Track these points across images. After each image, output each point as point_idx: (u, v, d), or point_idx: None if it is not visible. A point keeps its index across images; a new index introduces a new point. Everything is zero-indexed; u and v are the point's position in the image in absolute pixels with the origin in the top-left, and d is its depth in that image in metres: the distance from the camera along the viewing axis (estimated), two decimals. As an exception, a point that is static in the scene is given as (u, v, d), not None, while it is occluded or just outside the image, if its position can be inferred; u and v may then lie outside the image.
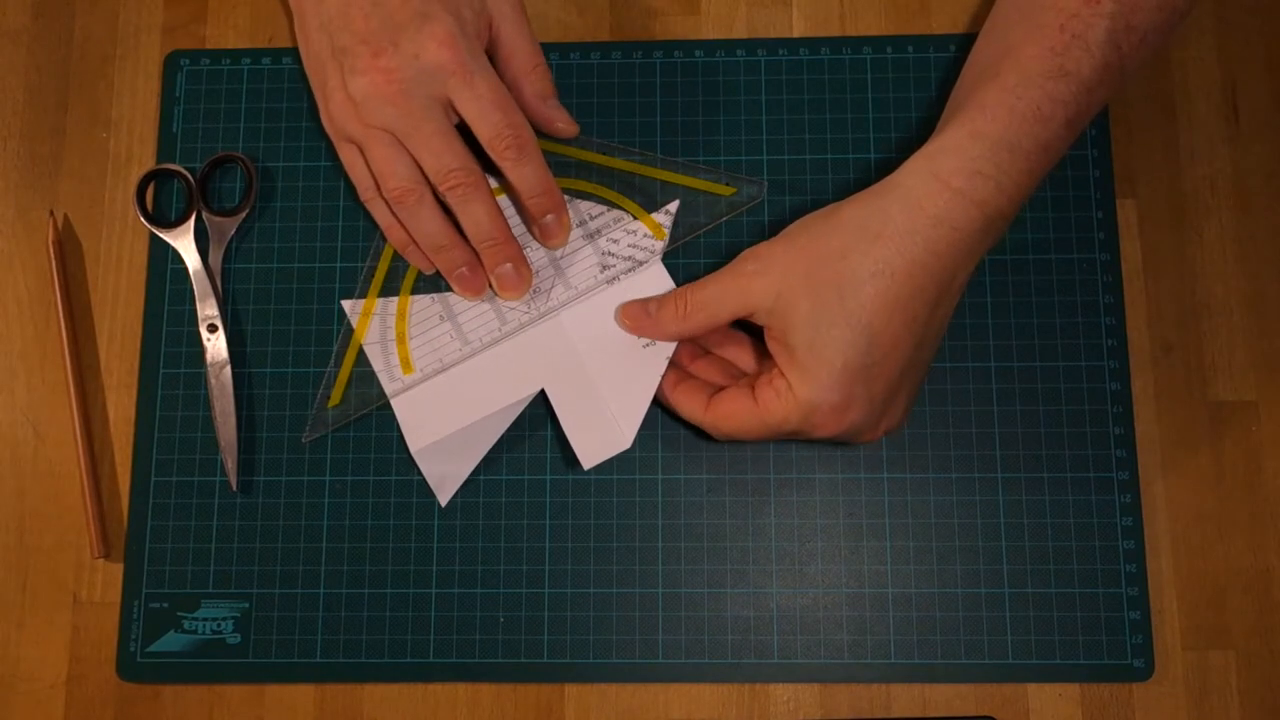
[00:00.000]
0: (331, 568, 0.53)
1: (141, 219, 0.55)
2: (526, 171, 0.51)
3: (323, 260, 0.55)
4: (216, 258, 0.55)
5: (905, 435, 0.53)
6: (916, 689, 0.51)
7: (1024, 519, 0.52)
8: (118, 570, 0.53)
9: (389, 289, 0.54)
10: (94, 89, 0.58)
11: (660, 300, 0.51)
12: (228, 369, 0.54)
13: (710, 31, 0.57)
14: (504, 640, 0.52)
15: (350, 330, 0.54)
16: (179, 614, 0.52)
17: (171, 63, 0.57)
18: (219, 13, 0.58)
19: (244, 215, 0.55)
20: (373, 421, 0.53)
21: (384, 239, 0.54)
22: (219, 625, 0.52)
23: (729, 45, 0.57)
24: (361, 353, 0.53)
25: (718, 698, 0.52)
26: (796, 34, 0.57)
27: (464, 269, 0.52)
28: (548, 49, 0.57)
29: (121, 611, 0.53)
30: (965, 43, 0.56)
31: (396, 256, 0.54)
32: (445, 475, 0.52)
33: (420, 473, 0.53)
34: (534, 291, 0.53)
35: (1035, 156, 0.46)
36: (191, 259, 0.55)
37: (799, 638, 0.51)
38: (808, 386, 0.46)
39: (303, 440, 0.53)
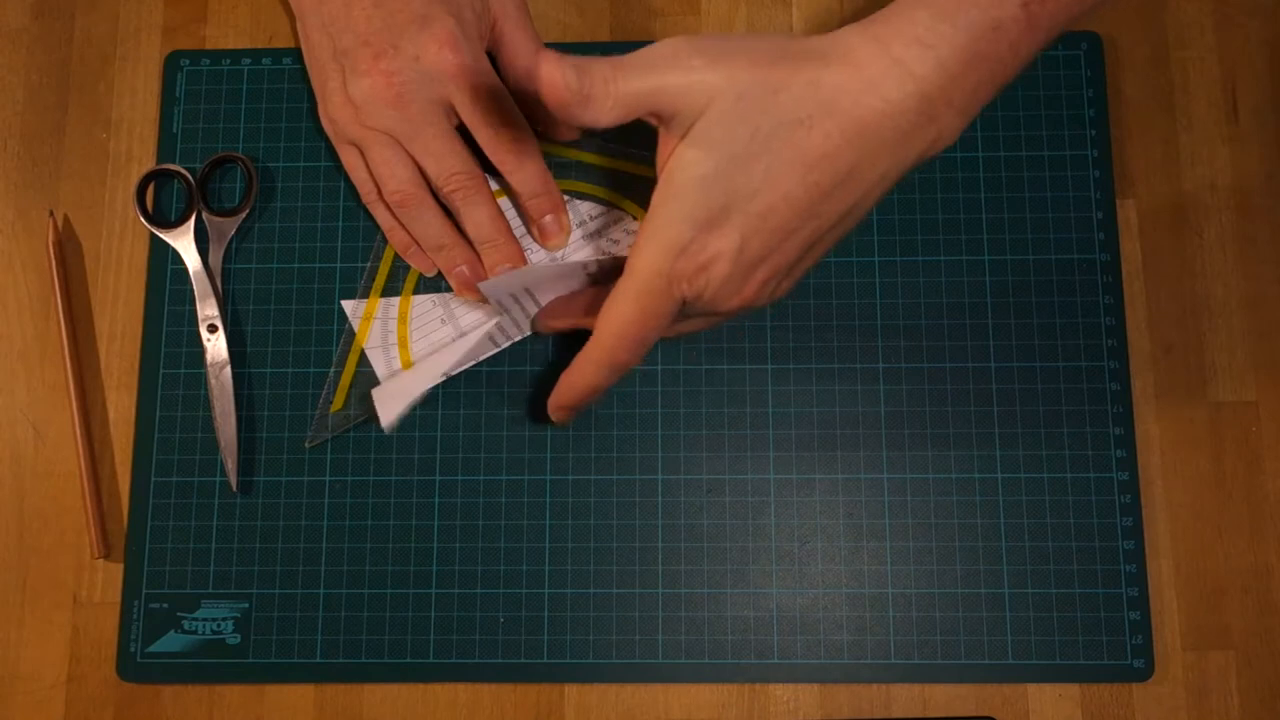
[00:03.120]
0: (331, 568, 0.53)
1: (141, 219, 0.55)
2: (526, 175, 0.51)
3: (323, 260, 0.55)
4: (216, 258, 0.55)
5: (905, 435, 0.53)
6: (916, 689, 0.51)
7: (1024, 519, 0.52)
8: (118, 570, 0.53)
9: (390, 290, 0.54)
10: (94, 89, 0.58)
11: (587, 64, 0.42)
12: (228, 369, 0.54)
13: (710, 31, 0.57)
14: (504, 640, 0.52)
15: (351, 333, 0.54)
16: (179, 614, 0.52)
17: (171, 63, 0.57)
18: (219, 13, 0.58)
19: (244, 215, 0.55)
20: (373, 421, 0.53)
21: (385, 240, 0.54)
22: (219, 625, 0.52)
23: (729, 45, 0.57)
24: (363, 356, 0.53)
25: (718, 698, 0.52)
26: (796, 33, 0.57)
27: (464, 268, 0.52)
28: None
29: (121, 611, 0.53)
30: (965, 43, 0.56)
31: (398, 258, 0.54)
32: (392, 402, 0.50)
33: (420, 472, 0.53)
34: None
35: (984, 38, 0.41)
36: (191, 259, 0.55)
37: (799, 638, 0.51)
38: (676, 202, 0.41)
39: (305, 445, 0.53)
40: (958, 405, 0.53)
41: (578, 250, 0.53)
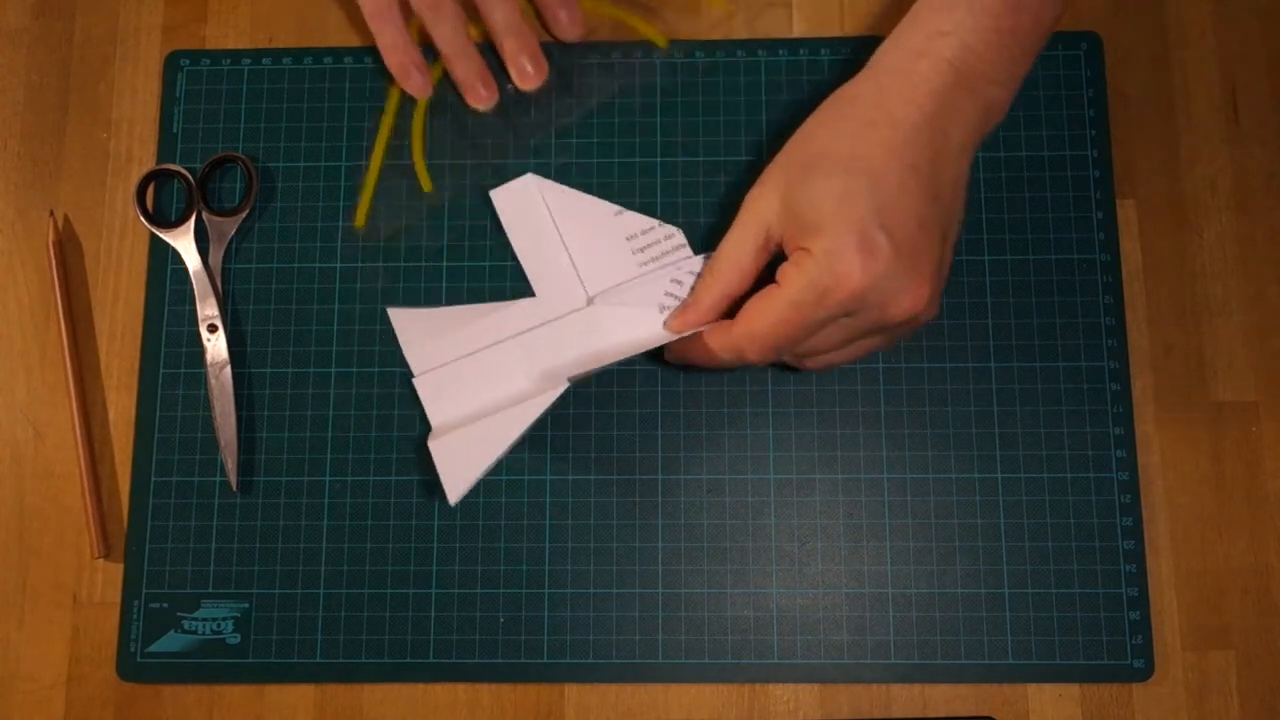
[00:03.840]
0: (331, 568, 0.53)
1: (141, 219, 0.55)
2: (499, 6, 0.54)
3: (323, 260, 0.55)
4: (216, 258, 0.55)
5: (905, 435, 0.53)
6: (916, 689, 0.51)
7: (1024, 519, 0.52)
8: (118, 570, 0.53)
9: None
10: (94, 89, 0.58)
11: (692, 289, 0.51)
12: (228, 369, 0.54)
13: (710, 31, 0.57)
14: (504, 640, 0.52)
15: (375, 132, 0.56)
16: (179, 614, 0.52)
17: (171, 63, 0.57)
18: (219, 13, 0.58)
19: (244, 215, 0.55)
20: (373, 422, 0.53)
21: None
22: (219, 625, 0.52)
23: (729, 45, 0.57)
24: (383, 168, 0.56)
25: (718, 698, 0.52)
26: (796, 34, 0.57)
27: (477, 79, 0.55)
28: (548, 49, 0.57)
29: (121, 611, 0.53)
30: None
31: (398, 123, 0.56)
32: (459, 473, 0.49)
33: (420, 473, 0.53)
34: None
35: (1005, 16, 0.46)
36: (191, 259, 0.55)
37: (799, 638, 0.51)
38: (823, 238, 0.44)
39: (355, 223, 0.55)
40: (958, 405, 0.53)
41: (628, 269, 0.53)
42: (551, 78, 0.56)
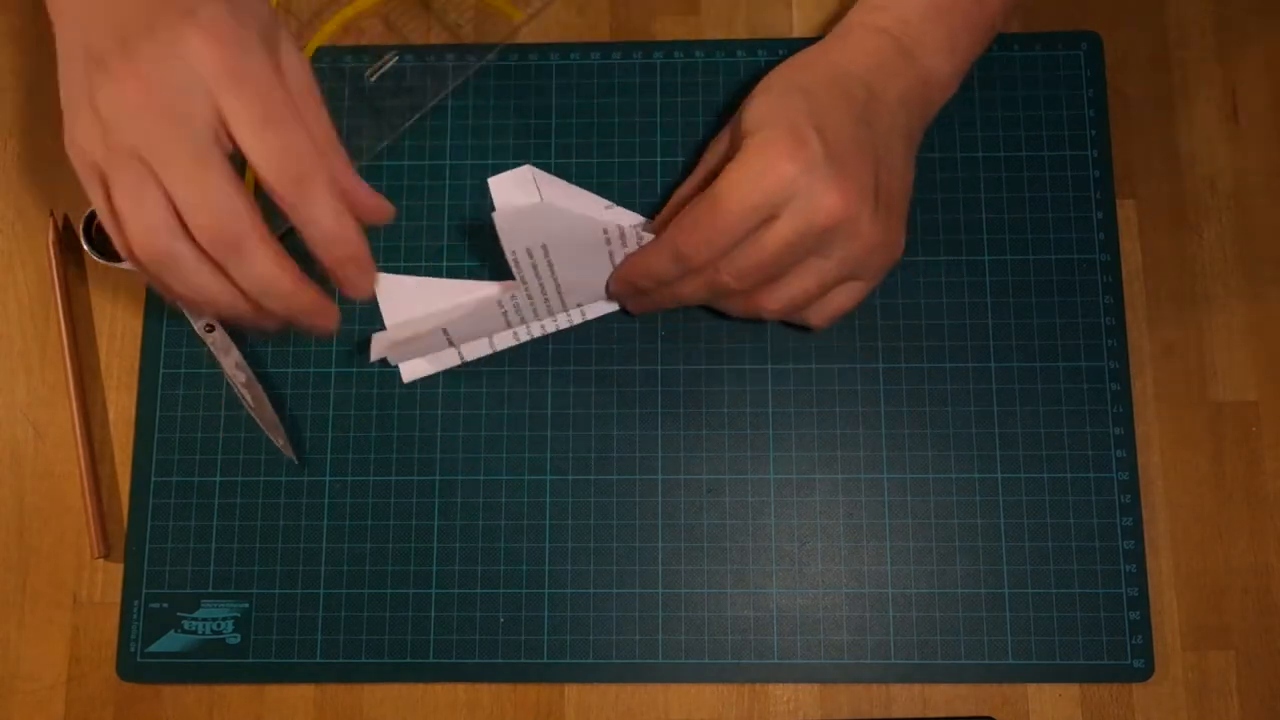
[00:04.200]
0: (331, 568, 0.53)
1: (94, 256, 0.54)
2: (315, 213, 0.40)
3: (323, 260, 0.55)
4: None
5: (905, 435, 0.53)
6: (916, 689, 0.51)
7: (1024, 519, 0.52)
8: (118, 570, 0.53)
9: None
10: (94, 89, 0.57)
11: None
12: (240, 357, 0.53)
13: (710, 31, 0.57)
14: (504, 640, 0.52)
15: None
16: (179, 614, 0.52)
17: (171, 63, 0.57)
18: (219, 13, 0.58)
19: None
20: (372, 422, 0.53)
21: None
22: (219, 625, 0.52)
23: (729, 45, 0.57)
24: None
25: (718, 698, 0.52)
26: (796, 34, 0.57)
27: (366, 262, 0.43)
28: (547, 49, 0.57)
29: (121, 611, 0.53)
30: (965, 43, 0.56)
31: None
32: (412, 355, 0.51)
33: (420, 472, 0.53)
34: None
35: None
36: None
37: (799, 638, 0.51)
38: (757, 134, 0.45)
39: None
40: (958, 405, 0.53)
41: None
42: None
